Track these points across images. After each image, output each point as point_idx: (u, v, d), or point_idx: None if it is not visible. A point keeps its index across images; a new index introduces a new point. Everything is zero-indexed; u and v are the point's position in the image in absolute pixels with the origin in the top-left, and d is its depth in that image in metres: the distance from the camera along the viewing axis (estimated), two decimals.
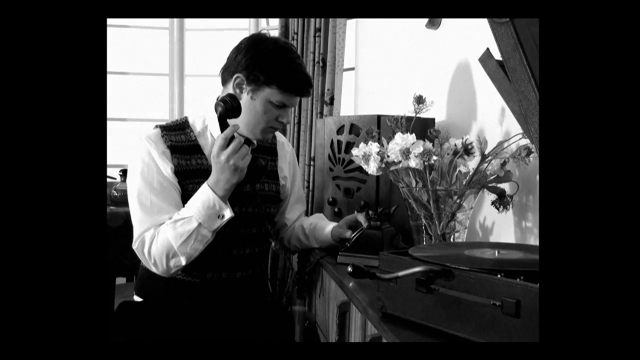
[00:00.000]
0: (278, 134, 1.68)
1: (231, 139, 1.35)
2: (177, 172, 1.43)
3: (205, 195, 1.36)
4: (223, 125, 1.38)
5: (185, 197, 1.42)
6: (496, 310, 0.81)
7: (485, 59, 1.01)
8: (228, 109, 1.36)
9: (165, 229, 1.37)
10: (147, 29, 3.38)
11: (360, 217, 1.51)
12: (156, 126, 1.48)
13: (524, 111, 0.87)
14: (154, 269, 1.41)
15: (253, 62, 1.41)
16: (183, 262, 1.37)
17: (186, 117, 1.53)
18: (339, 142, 1.79)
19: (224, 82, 1.49)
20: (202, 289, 1.48)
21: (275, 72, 1.41)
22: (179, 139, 1.46)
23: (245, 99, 1.44)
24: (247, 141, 1.43)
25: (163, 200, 1.40)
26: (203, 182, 1.40)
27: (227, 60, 1.48)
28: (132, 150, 1.45)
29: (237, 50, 1.46)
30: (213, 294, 1.48)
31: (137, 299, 1.56)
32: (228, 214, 1.37)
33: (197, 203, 1.36)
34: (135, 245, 1.40)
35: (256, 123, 1.44)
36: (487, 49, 1.01)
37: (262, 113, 1.43)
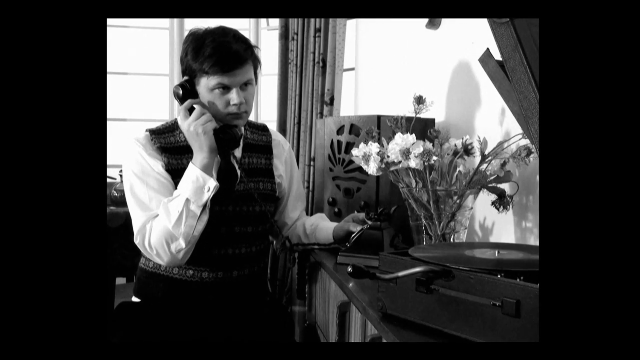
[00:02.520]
0: (274, 132, 1.68)
1: (192, 110, 1.43)
2: (169, 171, 1.44)
3: (188, 171, 1.40)
4: None
5: None
6: (496, 310, 0.81)
7: (485, 59, 1.01)
8: (184, 89, 1.45)
9: (160, 215, 1.38)
10: (147, 29, 3.38)
11: (363, 217, 1.51)
12: (146, 130, 1.50)
13: (524, 111, 0.87)
14: (158, 260, 1.41)
15: (185, 57, 1.45)
16: (183, 244, 1.36)
17: (176, 119, 1.54)
18: (339, 142, 1.79)
19: None
20: (199, 289, 1.48)
21: (198, 59, 1.41)
22: (168, 141, 1.48)
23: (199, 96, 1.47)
24: (233, 135, 1.45)
25: (161, 193, 1.42)
26: None
27: None
28: (125, 154, 1.48)
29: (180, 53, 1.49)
30: (210, 293, 1.48)
31: (135, 299, 1.56)
32: (212, 184, 1.38)
33: (183, 181, 1.40)
34: (137, 240, 1.41)
35: (214, 114, 1.45)
36: (487, 49, 1.01)
37: (212, 103, 1.44)
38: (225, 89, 1.43)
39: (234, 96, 1.43)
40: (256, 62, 1.49)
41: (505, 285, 0.80)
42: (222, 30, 1.45)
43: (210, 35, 1.42)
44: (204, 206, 1.38)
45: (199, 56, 1.41)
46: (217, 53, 1.39)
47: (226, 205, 1.48)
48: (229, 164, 1.49)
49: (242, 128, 1.57)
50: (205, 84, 1.43)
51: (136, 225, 1.41)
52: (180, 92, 1.45)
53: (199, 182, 1.37)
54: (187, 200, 1.36)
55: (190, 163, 1.40)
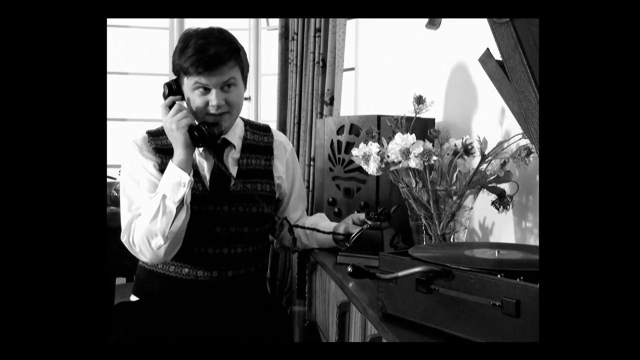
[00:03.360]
0: (277, 133, 1.68)
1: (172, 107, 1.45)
2: (162, 171, 1.45)
3: (167, 168, 1.42)
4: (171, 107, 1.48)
5: None
6: (496, 310, 0.81)
7: (485, 59, 1.01)
8: (170, 88, 1.47)
9: (142, 212, 1.41)
10: (147, 29, 3.38)
11: (362, 217, 1.51)
12: (146, 132, 1.53)
13: (524, 111, 0.87)
14: (142, 258, 1.43)
15: (173, 57, 1.47)
16: (161, 240, 1.37)
17: None
18: (339, 142, 1.79)
19: None
20: (195, 287, 1.48)
21: (181, 58, 1.43)
22: (164, 142, 1.50)
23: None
24: (209, 132, 1.45)
25: (151, 193, 1.43)
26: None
27: None
28: (123, 154, 1.51)
29: None
30: (205, 292, 1.49)
31: (134, 298, 1.57)
32: (185, 178, 1.38)
33: (163, 178, 1.41)
34: (123, 239, 1.43)
35: (195, 113, 1.47)
36: (487, 49, 1.01)
37: (193, 103, 1.46)
38: (206, 90, 1.44)
39: (212, 97, 1.44)
40: (242, 64, 1.49)
41: (505, 285, 0.80)
42: (208, 31, 1.46)
43: (195, 36, 1.44)
44: (182, 202, 1.38)
45: (182, 56, 1.43)
46: (196, 53, 1.41)
47: (221, 205, 1.48)
48: (222, 166, 1.50)
49: (243, 127, 1.59)
50: (187, 84, 1.45)
51: (123, 224, 1.44)
52: (166, 91, 1.48)
53: (175, 178, 1.39)
54: (164, 196, 1.37)
55: (170, 160, 1.43)
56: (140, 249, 1.40)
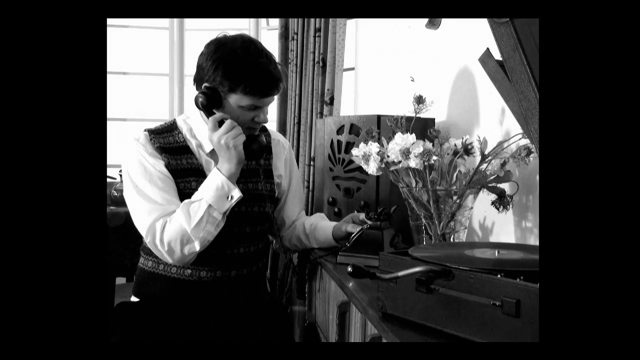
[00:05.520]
0: (274, 132, 1.69)
1: (222, 122, 1.42)
2: (169, 171, 1.45)
3: (213, 177, 1.41)
4: (210, 115, 1.44)
5: (179, 195, 1.44)
6: (496, 310, 0.81)
7: (485, 59, 1.01)
8: (209, 98, 1.43)
9: (178, 214, 1.39)
10: (147, 29, 3.38)
11: (362, 217, 1.51)
12: (145, 130, 1.51)
13: (524, 111, 0.87)
14: (167, 258, 1.41)
15: (215, 69, 1.42)
16: (197, 247, 1.38)
17: (174, 119, 1.55)
18: (339, 142, 1.79)
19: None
20: (197, 288, 1.48)
21: (237, 77, 1.40)
22: (167, 141, 1.49)
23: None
24: (260, 144, 1.47)
25: (167, 191, 1.43)
26: (195, 180, 1.45)
27: (196, 68, 1.48)
28: (125, 153, 1.48)
29: (202, 58, 1.46)
30: (208, 292, 1.49)
31: (134, 299, 1.57)
32: (236, 194, 1.40)
33: (206, 186, 1.41)
34: (147, 239, 1.41)
35: (239, 125, 1.45)
36: (487, 49, 1.01)
37: (236, 117, 1.45)
38: (254, 108, 1.45)
39: (260, 115, 1.47)
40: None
41: (505, 285, 0.80)
42: (256, 48, 1.44)
43: (243, 52, 1.41)
44: (224, 214, 1.40)
45: (235, 75, 1.40)
46: (258, 77, 1.41)
47: None
48: None
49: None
50: (237, 101, 1.43)
51: (145, 224, 1.41)
52: (206, 101, 1.43)
53: (223, 189, 1.39)
54: (210, 206, 1.38)
55: (215, 169, 1.42)
56: (169, 250, 1.39)
